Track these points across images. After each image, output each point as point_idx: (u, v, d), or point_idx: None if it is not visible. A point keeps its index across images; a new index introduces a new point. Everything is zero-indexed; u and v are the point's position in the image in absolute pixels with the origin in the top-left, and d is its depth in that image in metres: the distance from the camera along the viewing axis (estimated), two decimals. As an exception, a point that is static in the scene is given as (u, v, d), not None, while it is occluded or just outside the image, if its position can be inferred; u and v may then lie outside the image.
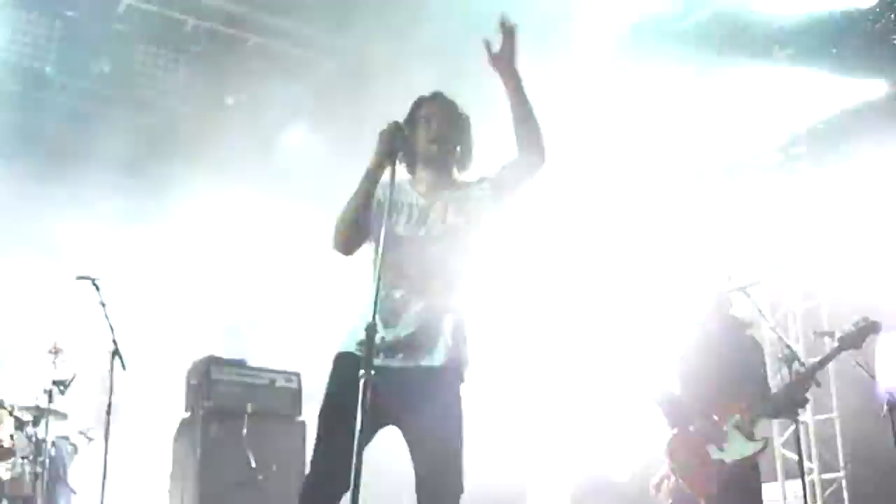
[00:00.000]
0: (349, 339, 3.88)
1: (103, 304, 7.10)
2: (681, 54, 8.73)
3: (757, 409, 6.09)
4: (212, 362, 7.73)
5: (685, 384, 6.30)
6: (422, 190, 4.04)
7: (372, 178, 3.86)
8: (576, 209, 10.13)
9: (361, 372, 3.25)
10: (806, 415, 9.15)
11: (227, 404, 7.38)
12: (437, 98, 4.15)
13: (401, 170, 4.00)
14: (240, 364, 7.69)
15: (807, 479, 8.22)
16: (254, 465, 7.19)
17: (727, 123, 9.31)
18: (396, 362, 3.77)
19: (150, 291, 10.52)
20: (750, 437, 6.08)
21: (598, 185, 9.98)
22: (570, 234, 10.31)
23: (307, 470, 3.80)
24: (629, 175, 9.92)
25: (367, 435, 3.63)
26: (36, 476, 6.93)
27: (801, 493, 6.77)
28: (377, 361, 3.65)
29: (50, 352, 7.21)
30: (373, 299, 3.43)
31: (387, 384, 3.50)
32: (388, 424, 3.77)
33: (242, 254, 10.56)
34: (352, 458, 3.62)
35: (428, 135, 4.03)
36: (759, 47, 8.77)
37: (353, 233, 3.91)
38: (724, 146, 9.61)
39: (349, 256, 3.96)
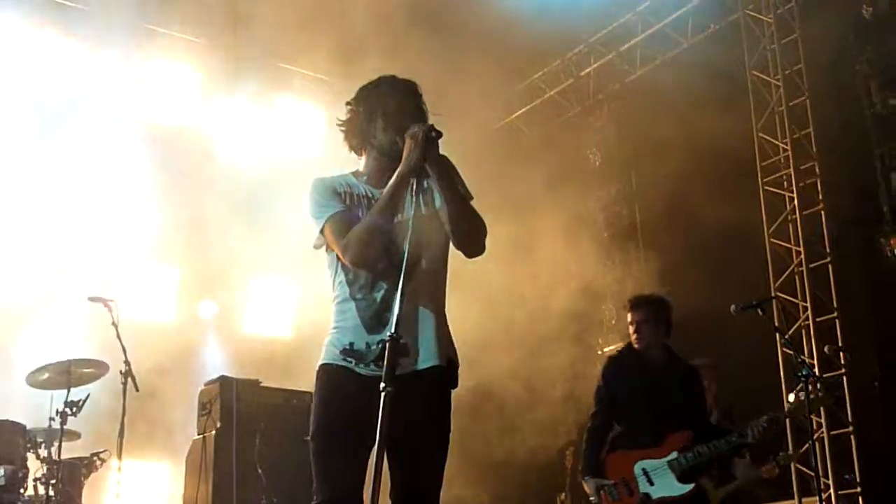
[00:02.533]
0: (329, 347, 3.67)
1: (115, 325, 7.09)
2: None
3: (696, 450, 5.95)
4: (224, 382, 7.70)
5: (625, 413, 6.20)
6: (371, 180, 3.74)
7: (407, 184, 3.52)
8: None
9: (382, 385, 3.06)
10: (821, 430, 9.10)
11: (240, 424, 7.35)
12: (409, 88, 3.79)
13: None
14: (252, 384, 7.66)
15: (823, 495, 8.17)
16: (266, 484, 7.16)
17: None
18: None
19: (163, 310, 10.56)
20: (683, 477, 5.94)
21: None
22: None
23: (317, 495, 3.62)
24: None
25: (368, 451, 3.49)
26: (48, 498, 6.88)
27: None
28: (364, 371, 3.57)
29: (62, 373, 7.17)
30: (396, 304, 3.20)
31: (376, 395, 3.27)
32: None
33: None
34: (361, 476, 3.56)
35: (396, 127, 3.63)
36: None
37: (379, 242, 3.54)
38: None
39: (368, 269, 3.61)
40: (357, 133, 3.79)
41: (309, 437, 3.67)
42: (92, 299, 7.41)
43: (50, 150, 9.69)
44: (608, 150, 11.95)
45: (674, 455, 5.97)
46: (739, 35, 10.56)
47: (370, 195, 3.69)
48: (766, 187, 10.21)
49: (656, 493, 5.93)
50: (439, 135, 3.48)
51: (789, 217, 10.00)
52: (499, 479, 10.41)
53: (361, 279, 3.64)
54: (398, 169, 3.52)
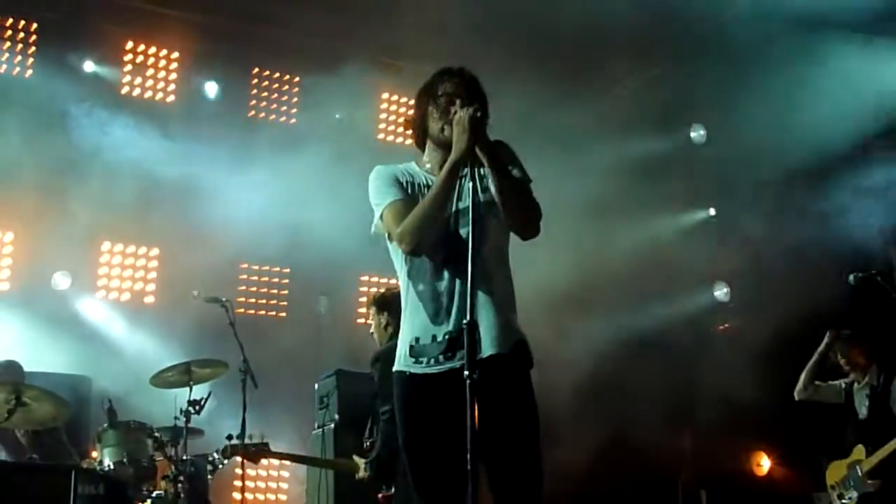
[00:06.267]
0: (400, 347, 3.67)
1: (233, 324, 7.25)
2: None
3: None
4: (339, 376, 7.80)
5: None
6: (432, 169, 3.77)
7: (458, 172, 3.53)
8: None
9: (466, 374, 3.10)
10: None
11: (357, 417, 7.41)
12: (463, 75, 3.78)
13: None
14: (367, 377, 7.74)
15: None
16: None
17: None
18: (457, 361, 3.46)
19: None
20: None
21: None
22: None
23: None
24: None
25: (456, 452, 3.34)
26: (178, 495, 7.07)
27: None
28: (426, 369, 3.54)
29: (183, 373, 7.36)
30: (467, 293, 3.24)
31: (454, 389, 3.24)
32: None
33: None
34: (457, 479, 3.37)
35: (443, 115, 3.68)
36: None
37: (433, 231, 3.57)
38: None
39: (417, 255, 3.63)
40: (416, 126, 3.85)
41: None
42: (208, 300, 7.59)
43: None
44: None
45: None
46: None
47: (431, 184, 3.68)
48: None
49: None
50: (484, 117, 3.48)
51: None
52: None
53: (423, 269, 3.63)
54: (450, 157, 3.53)
